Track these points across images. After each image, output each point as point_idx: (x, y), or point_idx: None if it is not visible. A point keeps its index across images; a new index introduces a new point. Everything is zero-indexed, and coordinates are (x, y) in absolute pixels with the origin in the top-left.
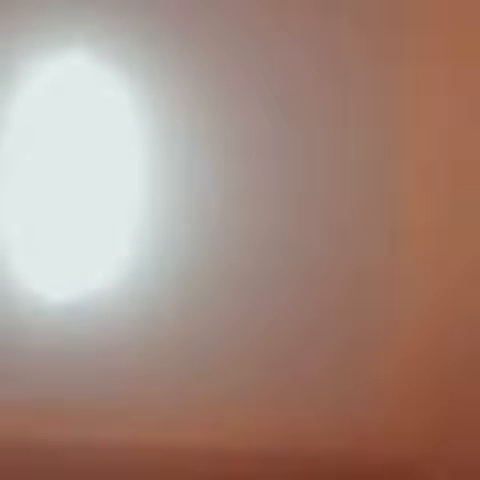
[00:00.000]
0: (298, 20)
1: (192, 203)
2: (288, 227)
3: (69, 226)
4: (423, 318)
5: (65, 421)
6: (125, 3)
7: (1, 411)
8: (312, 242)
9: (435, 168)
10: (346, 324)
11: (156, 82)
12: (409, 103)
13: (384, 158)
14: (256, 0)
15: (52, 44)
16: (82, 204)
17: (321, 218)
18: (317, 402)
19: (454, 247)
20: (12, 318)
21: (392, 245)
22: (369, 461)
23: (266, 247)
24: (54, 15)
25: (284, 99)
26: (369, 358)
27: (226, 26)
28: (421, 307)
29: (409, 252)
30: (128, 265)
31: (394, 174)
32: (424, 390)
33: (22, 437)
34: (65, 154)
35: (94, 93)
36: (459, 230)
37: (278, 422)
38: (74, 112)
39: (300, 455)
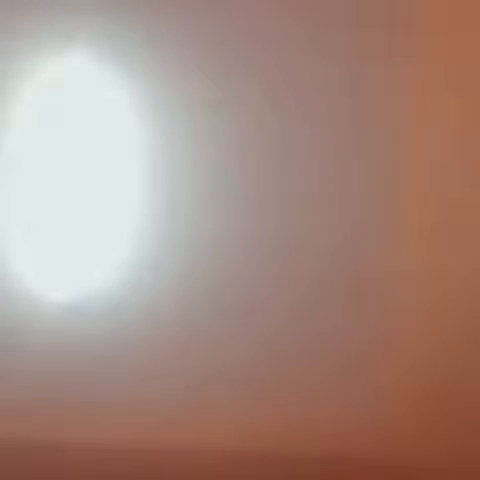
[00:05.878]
0: (299, 20)
1: (192, 203)
2: (288, 227)
3: (69, 226)
4: (423, 320)
5: (65, 421)
6: (125, 3)
7: (1, 411)
8: (312, 243)
9: (435, 168)
10: (347, 326)
11: (156, 82)
12: (409, 103)
13: (384, 158)
14: (256, 0)
15: (52, 44)
16: (82, 204)
17: (321, 218)
18: (318, 404)
19: (454, 247)
20: (12, 318)
21: (392, 246)
22: (369, 462)
23: (266, 247)
24: (54, 15)
25: (284, 99)
26: (369, 360)
27: (226, 25)
28: (421, 309)
29: (409, 253)
30: (128, 265)
31: (394, 174)
32: (424, 392)
33: (22, 437)
34: (65, 154)
35: (94, 93)
36: (460, 231)
37: (278, 423)
38: (74, 112)
39: (300, 456)
